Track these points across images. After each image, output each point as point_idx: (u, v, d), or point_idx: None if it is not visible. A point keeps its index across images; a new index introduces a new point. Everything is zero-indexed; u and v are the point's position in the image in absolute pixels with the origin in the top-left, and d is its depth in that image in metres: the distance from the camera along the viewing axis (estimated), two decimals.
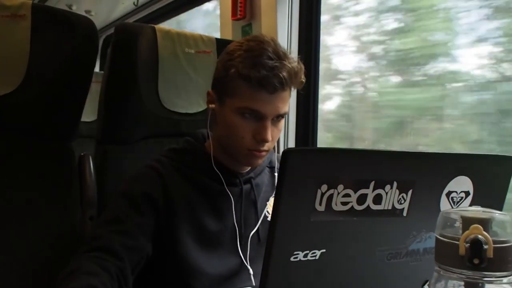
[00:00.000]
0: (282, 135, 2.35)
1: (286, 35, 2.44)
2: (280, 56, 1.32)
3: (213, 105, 1.45)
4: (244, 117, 1.35)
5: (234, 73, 1.33)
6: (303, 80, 1.39)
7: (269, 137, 1.35)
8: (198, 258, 1.39)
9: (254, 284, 1.43)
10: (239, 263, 1.45)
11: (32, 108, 1.53)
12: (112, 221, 1.32)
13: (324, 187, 0.77)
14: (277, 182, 0.75)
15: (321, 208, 0.77)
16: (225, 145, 1.44)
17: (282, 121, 1.41)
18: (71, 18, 1.56)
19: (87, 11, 4.29)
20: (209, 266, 1.40)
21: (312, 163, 0.77)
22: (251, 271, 1.44)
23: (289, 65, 1.32)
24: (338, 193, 0.78)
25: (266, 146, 1.37)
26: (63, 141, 1.62)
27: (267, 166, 1.58)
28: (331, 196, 0.78)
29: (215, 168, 1.43)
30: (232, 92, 1.36)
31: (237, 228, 1.45)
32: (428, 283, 0.93)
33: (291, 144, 2.40)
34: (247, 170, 1.51)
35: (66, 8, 3.86)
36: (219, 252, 1.43)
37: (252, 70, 1.30)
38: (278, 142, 1.49)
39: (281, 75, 1.30)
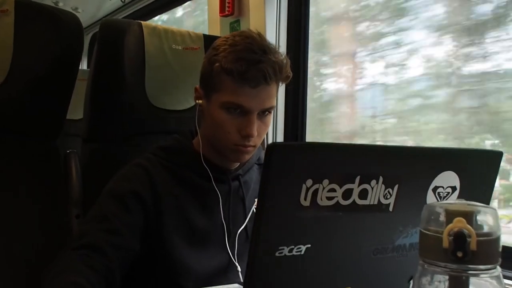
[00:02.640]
0: (271, 131, 2.35)
1: (274, 31, 2.44)
2: (265, 50, 1.32)
3: (200, 101, 1.45)
4: (229, 112, 1.35)
5: (218, 68, 1.33)
6: (290, 75, 1.39)
7: (254, 132, 1.34)
8: (186, 256, 1.39)
9: (242, 281, 1.42)
10: (227, 260, 1.45)
11: (16, 105, 1.52)
12: (99, 219, 1.31)
13: (309, 182, 0.76)
14: (262, 177, 0.75)
15: (306, 203, 0.77)
16: (212, 141, 1.43)
17: (269, 117, 1.41)
18: (56, 14, 1.55)
19: (74, 8, 4.26)
20: (197, 263, 1.40)
21: (297, 158, 0.77)
22: (239, 268, 1.44)
23: (273, 59, 1.32)
24: (324, 188, 0.78)
25: (252, 141, 1.37)
26: (48, 139, 1.62)
27: (256, 163, 1.58)
28: (316, 191, 0.77)
29: (205, 165, 1.43)
30: (217, 87, 1.36)
31: (225, 225, 1.45)
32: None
33: (280, 140, 2.39)
34: (235, 167, 1.50)
35: (53, 5, 3.84)
36: (208, 250, 1.43)
37: (235, 64, 1.30)
38: (266, 138, 1.48)
39: (264, 69, 1.30)
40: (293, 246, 0.79)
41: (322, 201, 0.79)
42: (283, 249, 0.78)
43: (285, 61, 1.36)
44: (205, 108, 1.43)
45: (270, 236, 0.77)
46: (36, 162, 1.57)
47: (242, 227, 1.48)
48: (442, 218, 0.67)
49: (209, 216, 1.45)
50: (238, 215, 1.49)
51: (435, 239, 0.65)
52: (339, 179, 0.80)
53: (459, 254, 0.63)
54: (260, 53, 1.31)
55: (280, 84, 1.39)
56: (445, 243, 0.64)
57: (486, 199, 1.02)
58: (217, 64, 1.34)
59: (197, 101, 1.46)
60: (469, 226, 0.63)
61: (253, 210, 1.51)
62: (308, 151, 0.79)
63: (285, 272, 0.81)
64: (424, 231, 0.68)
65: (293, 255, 0.79)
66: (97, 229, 1.28)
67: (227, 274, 1.44)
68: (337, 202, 0.80)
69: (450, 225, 0.64)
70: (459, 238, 0.63)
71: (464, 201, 0.70)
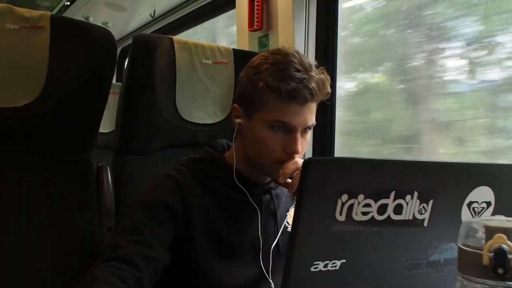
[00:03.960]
0: None
1: (303, 45, 2.44)
2: (306, 67, 1.33)
3: (239, 120, 1.45)
4: (274, 130, 1.35)
5: (262, 87, 1.34)
6: (329, 91, 1.40)
7: (300, 148, 1.35)
8: (216, 269, 1.39)
9: None
10: (258, 275, 1.44)
11: (50, 118, 1.54)
12: (130, 231, 1.31)
13: (344, 197, 0.76)
14: (298, 191, 0.75)
15: (341, 218, 0.77)
16: (252, 158, 1.44)
17: (310, 133, 1.42)
18: (89, 29, 1.58)
19: (104, 23, 4.33)
20: (227, 275, 1.39)
21: (333, 173, 0.77)
22: (272, 285, 1.43)
23: (316, 76, 1.33)
24: (359, 203, 0.78)
25: (296, 158, 1.37)
26: (81, 152, 1.64)
27: None
28: (351, 206, 0.77)
29: (236, 180, 1.43)
30: (261, 106, 1.36)
31: (261, 239, 1.45)
32: None
33: (309, 153, 2.39)
34: (267, 181, 1.51)
35: (83, 20, 3.91)
36: (238, 263, 1.43)
37: (282, 82, 1.31)
38: None
39: (310, 86, 1.31)
40: (328, 261, 0.79)
41: (357, 216, 0.79)
42: (318, 264, 0.78)
43: (325, 77, 1.37)
44: (246, 126, 1.43)
45: (305, 251, 0.77)
46: (70, 175, 1.58)
47: (275, 242, 1.48)
48: (480, 234, 0.67)
49: (239, 229, 1.44)
50: (269, 229, 1.49)
51: (474, 256, 0.65)
52: (374, 194, 0.80)
53: (500, 271, 0.62)
54: (303, 71, 1.32)
55: (319, 100, 1.40)
56: (485, 260, 0.63)
57: None
58: (261, 84, 1.34)
59: (236, 120, 1.46)
60: (509, 243, 0.63)
61: (285, 224, 1.51)
62: (344, 166, 0.79)
63: (320, 287, 0.81)
64: (463, 247, 0.68)
65: (328, 270, 0.79)
66: (128, 241, 1.28)
67: None
68: (372, 217, 0.80)
69: (490, 242, 0.64)
70: (500, 254, 0.62)
71: (503, 217, 0.70)
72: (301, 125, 1.35)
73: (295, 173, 1.34)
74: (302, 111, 1.34)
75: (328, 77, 1.39)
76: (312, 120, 1.38)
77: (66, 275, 1.44)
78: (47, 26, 1.51)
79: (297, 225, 0.75)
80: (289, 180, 1.35)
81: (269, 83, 1.33)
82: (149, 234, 1.30)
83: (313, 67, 1.36)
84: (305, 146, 1.40)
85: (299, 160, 1.35)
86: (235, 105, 1.47)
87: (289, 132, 1.35)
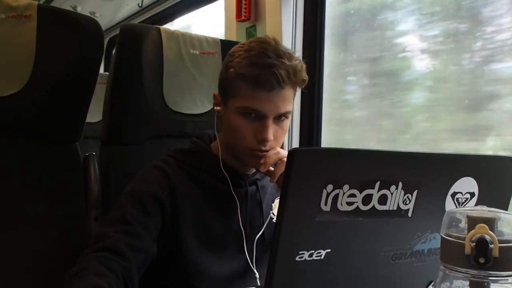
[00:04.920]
0: (286, 136, 2.35)
1: (290, 36, 2.45)
2: (280, 54, 1.32)
3: (218, 107, 1.45)
4: (245, 117, 1.35)
5: (233, 73, 1.34)
6: (305, 79, 1.39)
7: (270, 136, 1.34)
8: (202, 259, 1.39)
9: (259, 285, 1.42)
10: (244, 265, 1.45)
11: (36, 108, 1.53)
12: (118, 221, 1.31)
13: (329, 187, 0.77)
14: (283, 182, 0.75)
15: (326, 208, 0.77)
16: (230, 146, 1.44)
17: (287, 121, 1.41)
18: (77, 19, 1.56)
19: (92, 13, 4.30)
20: (213, 267, 1.40)
21: (318, 163, 0.77)
22: (256, 275, 1.44)
23: (287, 62, 1.32)
24: (344, 193, 0.78)
25: (269, 146, 1.36)
26: (68, 142, 1.63)
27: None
28: (336, 196, 0.78)
29: (223, 170, 1.44)
30: (233, 93, 1.37)
31: (243, 230, 1.45)
32: (432, 283, 0.94)
33: (295, 144, 2.40)
34: (253, 172, 1.51)
35: (71, 9, 3.88)
36: (224, 254, 1.43)
37: (248, 69, 1.31)
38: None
39: (277, 72, 1.30)
40: (313, 251, 0.79)
41: (342, 206, 0.79)
42: (303, 253, 0.79)
43: (300, 65, 1.36)
44: (223, 114, 1.43)
45: (290, 240, 0.78)
46: (57, 165, 1.58)
47: (260, 232, 1.48)
48: (463, 224, 0.68)
49: (226, 219, 1.45)
50: (255, 220, 1.50)
51: (457, 245, 0.66)
52: (359, 184, 0.80)
53: (481, 260, 0.63)
54: (274, 57, 1.31)
55: (296, 88, 1.40)
56: (467, 249, 0.64)
57: (504, 205, 1.02)
58: (232, 70, 1.35)
59: (215, 108, 1.47)
60: (491, 233, 0.64)
61: (270, 215, 1.52)
62: (329, 157, 0.80)
63: (305, 277, 0.82)
64: (446, 237, 0.69)
65: (313, 259, 0.80)
66: (116, 231, 1.28)
67: (244, 279, 1.44)
68: (357, 207, 0.81)
69: (472, 231, 0.64)
70: (481, 244, 0.63)
71: (485, 208, 0.71)
72: (272, 112, 1.34)
73: (277, 162, 1.34)
74: (272, 98, 1.33)
75: (303, 65, 1.38)
76: (286, 107, 1.36)
77: (53, 265, 1.44)
78: (34, 15, 1.50)
79: (282, 215, 0.76)
80: (272, 169, 1.35)
81: (237, 69, 1.33)
82: (137, 224, 1.30)
83: (289, 54, 1.35)
84: (280, 135, 1.40)
85: (281, 150, 1.35)
86: (215, 93, 1.47)
87: (260, 119, 1.35)
